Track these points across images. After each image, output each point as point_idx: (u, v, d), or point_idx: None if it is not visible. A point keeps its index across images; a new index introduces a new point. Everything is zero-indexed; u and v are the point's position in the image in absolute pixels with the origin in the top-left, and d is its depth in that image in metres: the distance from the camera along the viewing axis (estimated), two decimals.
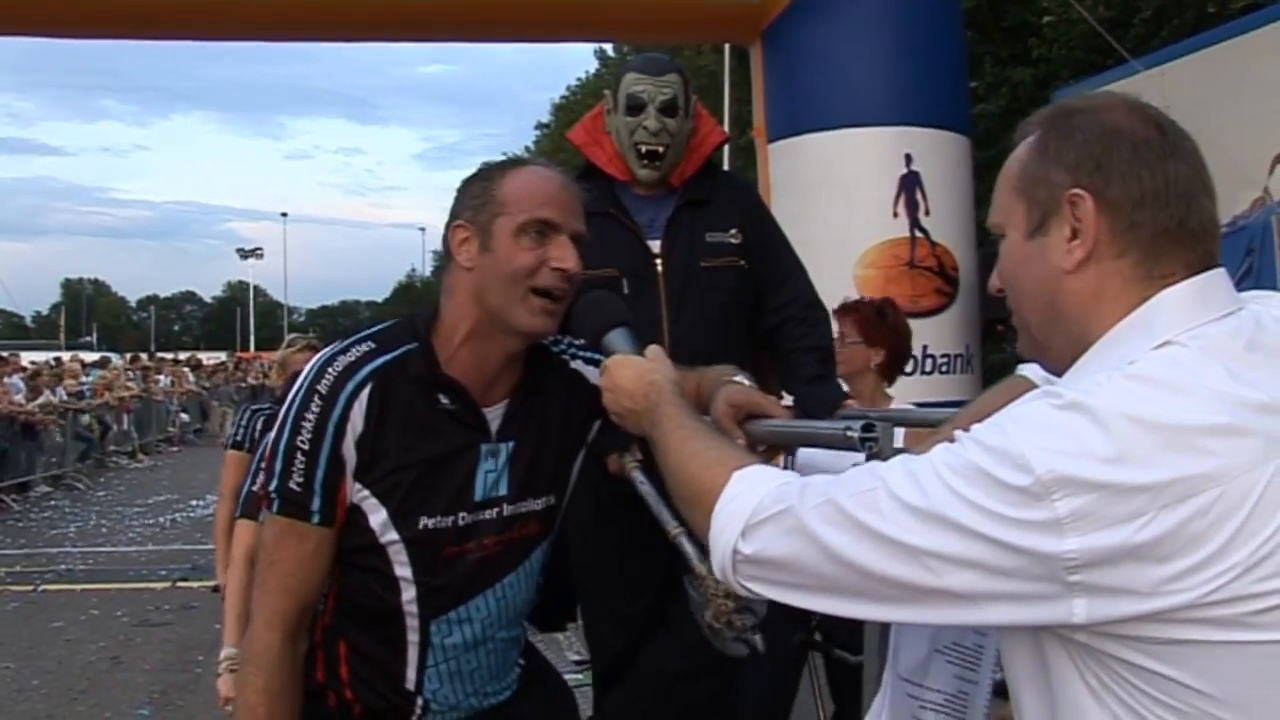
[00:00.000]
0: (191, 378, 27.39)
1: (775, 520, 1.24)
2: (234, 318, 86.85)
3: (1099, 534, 1.06)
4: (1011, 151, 1.34)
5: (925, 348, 7.61)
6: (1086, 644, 1.13)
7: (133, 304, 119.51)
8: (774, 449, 1.93)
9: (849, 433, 1.53)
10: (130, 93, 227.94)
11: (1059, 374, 1.32)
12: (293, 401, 1.86)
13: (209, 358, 36.73)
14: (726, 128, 13.60)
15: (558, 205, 1.88)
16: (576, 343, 2.14)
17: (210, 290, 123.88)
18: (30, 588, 9.03)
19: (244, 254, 71.27)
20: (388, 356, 1.87)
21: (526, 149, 44.96)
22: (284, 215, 73.32)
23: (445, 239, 1.93)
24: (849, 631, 3.62)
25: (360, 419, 1.82)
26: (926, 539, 1.12)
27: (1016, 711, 1.26)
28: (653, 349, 1.88)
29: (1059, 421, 1.09)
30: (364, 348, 1.88)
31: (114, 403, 20.06)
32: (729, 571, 1.30)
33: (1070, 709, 1.16)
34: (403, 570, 1.88)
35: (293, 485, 1.82)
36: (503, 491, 1.95)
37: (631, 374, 1.76)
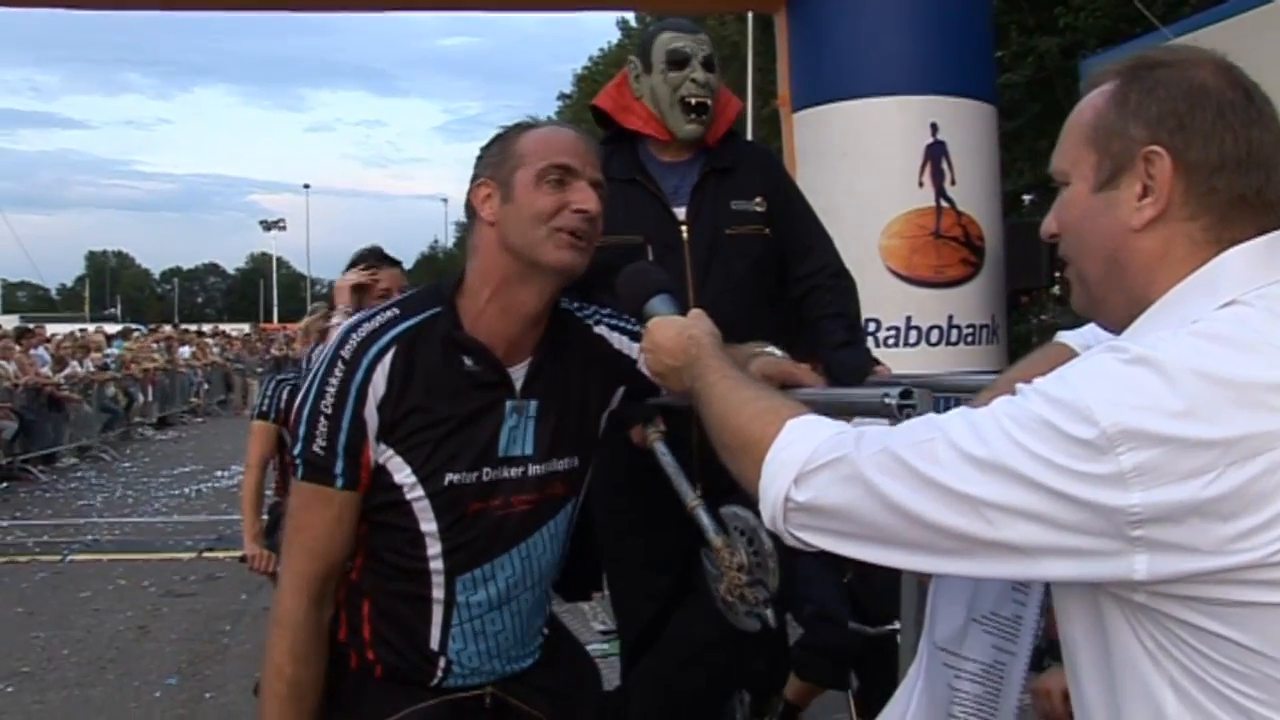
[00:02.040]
0: (216, 349, 27.52)
1: (830, 467, 1.22)
2: (257, 290, 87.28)
3: (1164, 489, 1.04)
4: (1082, 98, 1.30)
5: (951, 318, 7.57)
6: (1145, 604, 1.11)
7: (156, 276, 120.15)
8: None
9: (887, 399, 1.52)
10: (152, 66, 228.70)
11: (1113, 331, 1.30)
12: (318, 369, 1.91)
13: (233, 329, 36.89)
14: (750, 98, 13.68)
15: (574, 153, 1.95)
16: (604, 310, 2.17)
17: (233, 262, 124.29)
18: (58, 558, 9.11)
19: (267, 226, 71.62)
20: (411, 321, 1.92)
21: (550, 119, 44.87)
22: (306, 187, 74.02)
23: (468, 201, 1.98)
24: (870, 600, 3.62)
25: (383, 382, 1.87)
26: (986, 489, 1.10)
27: (1071, 673, 1.24)
28: (694, 311, 1.87)
29: (1125, 375, 1.08)
30: (388, 314, 1.94)
31: (139, 374, 20.18)
32: (779, 520, 1.28)
33: (1127, 671, 1.14)
34: (428, 525, 1.91)
35: (316, 449, 1.87)
36: (528, 450, 1.98)
37: (671, 331, 1.76)
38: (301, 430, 1.89)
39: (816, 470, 1.23)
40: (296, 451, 1.90)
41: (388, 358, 1.88)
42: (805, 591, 3.54)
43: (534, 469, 1.99)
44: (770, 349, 2.04)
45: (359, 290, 3.69)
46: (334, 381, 1.86)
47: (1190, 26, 8.19)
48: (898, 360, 7.58)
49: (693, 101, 2.91)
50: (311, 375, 1.93)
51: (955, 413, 1.19)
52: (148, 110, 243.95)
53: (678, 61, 2.92)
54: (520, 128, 1.99)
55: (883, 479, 1.16)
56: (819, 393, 1.86)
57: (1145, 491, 1.04)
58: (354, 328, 1.92)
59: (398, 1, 8.95)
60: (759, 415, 1.37)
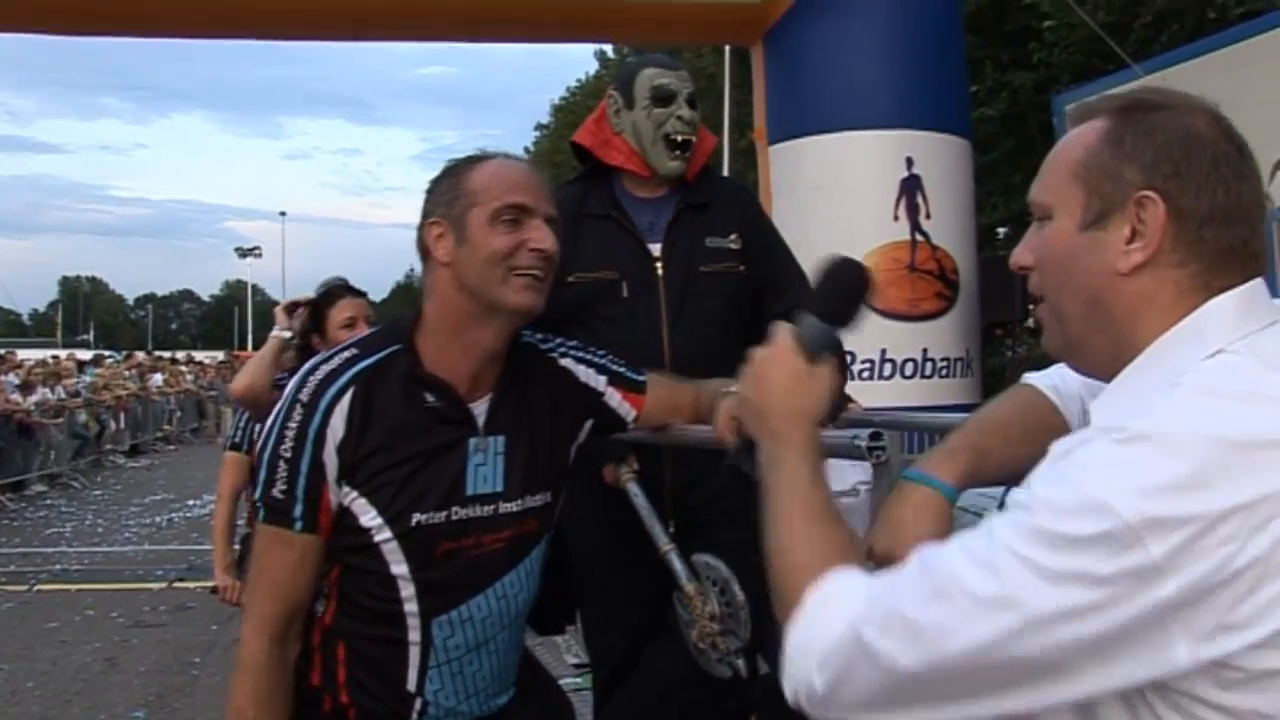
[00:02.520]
0: (189, 377, 27.35)
1: (845, 653, 1.14)
2: (232, 317, 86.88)
3: (1196, 568, 0.99)
4: (1066, 132, 1.28)
5: (925, 351, 7.60)
6: (1158, 687, 1.06)
7: (130, 302, 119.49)
8: None
9: (856, 441, 1.52)
10: (130, 91, 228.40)
11: (1088, 373, 1.29)
12: (278, 412, 1.90)
13: (206, 356, 36.67)
14: (726, 130, 13.74)
15: (527, 190, 1.92)
16: (569, 343, 2.17)
17: (208, 289, 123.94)
18: (25, 588, 9.00)
19: (242, 253, 71.15)
20: (369, 360, 1.91)
21: (526, 149, 44.97)
22: (283, 214, 73.18)
23: (420, 239, 1.96)
24: None
25: (341, 425, 1.86)
26: (1009, 625, 1.03)
27: None
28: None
29: (1131, 458, 1.02)
30: (346, 354, 1.93)
31: (111, 401, 20.02)
32: (802, 704, 1.20)
33: None
34: (399, 568, 1.90)
35: (276, 494, 1.86)
36: (498, 487, 1.96)
37: (787, 378, 1.42)
38: (262, 474, 1.88)
39: (833, 659, 1.15)
40: (258, 495, 1.90)
41: (345, 399, 1.86)
42: (776, 631, 3.53)
43: (505, 506, 1.97)
44: (736, 388, 2.04)
45: (290, 310, 3.82)
46: (292, 425, 1.86)
47: (1161, 64, 8.29)
48: (872, 393, 7.60)
49: (679, 139, 2.91)
50: (273, 418, 1.92)
51: (955, 547, 1.11)
52: (124, 135, 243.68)
53: (663, 98, 2.92)
54: (469, 163, 1.97)
55: (902, 650, 1.09)
56: None
57: (1179, 577, 0.99)
58: (312, 369, 1.91)
59: (376, 31, 8.96)
60: (801, 568, 1.26)
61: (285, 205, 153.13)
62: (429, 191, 1.97)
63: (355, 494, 1.87)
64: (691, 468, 2.83)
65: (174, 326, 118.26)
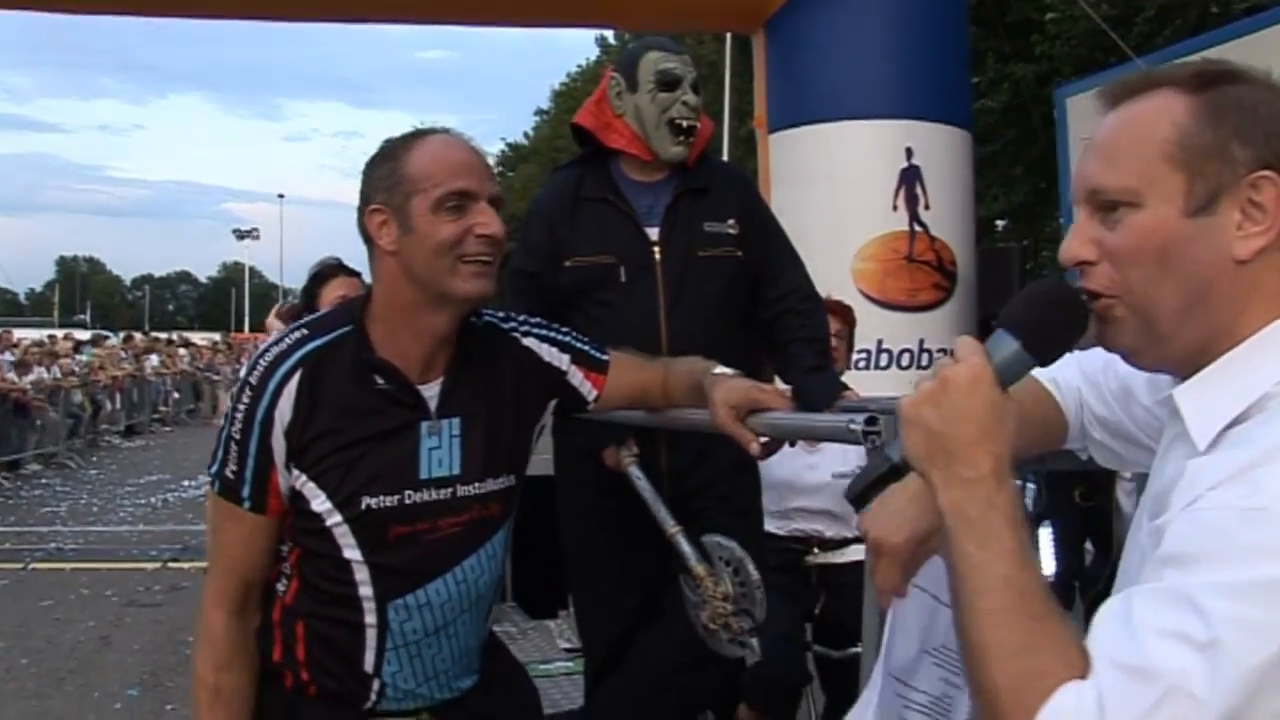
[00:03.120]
0: (186, 357, 27.32)
1: None
2: (229, 298, 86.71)
3: None
4: (1134, 108, 1.16)
5: (922, 341, 7.60)
6: None
7: (127, 283, 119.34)
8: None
9: (852, 426, 1.51)
10: (128, 71, 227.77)
11: (1156, 368, 1.21)
12: (233, 393, 1.93)
13: (202, 338, 36.59)
14: (726, 118, 13.72)
15: (469, 173, 1.87)
16: (531, 320, 2.14)
17: (205, 270, 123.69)
18: (20, 566, 8.99)
19: (240, 235, 71.04)
20: (319, 341, 1.89)
21: (525, 135, 44.95)
22: (281, 197, 72.89)
23: (361, 225, 1.91)
24: (835, 627, 3.64)
25: (289, 408, 1.84)
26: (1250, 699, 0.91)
27: None
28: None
29: None
30: (297, 335, 1.91)
31: (107, 381, 20.00)
32: None
33: None
34: (351, 553, 1.88)
35: (228, 473, 1.88)
36: (454, 470, 1.93)
37: (986, 413, 1.11)
38: (218, 451, 1.90)
39: None
40: (213, 471, 1.91)
41: (293, 381, 1.84)
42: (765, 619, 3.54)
43: (464, 489, 1.94)
44: (720, 369, 2.04)
45: (287, 318, 3.80)
46: (241, 408, 1.86)
47: (1165, 58, 8.27)
48: (869, 383, 7.59)
49: (684, 124, 2.90)
50: (231, 398, 1.94)
51: (1155, 635, 0.95)
52: (123, 116, 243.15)
53: (668, 83, 2.91)
54: (407, 144, 1.90)
55: None
56: (786, 417, 1.86)
57: None
58: (264, 352, 1.91)
59: (376, 13, 8.94)
60: (1017, 680, 1.02)
61: (284, 187, 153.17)
62: (366, 174, 1.92)
63: (304, 478, 1.86)
64: (688, 452, 2.83)
65: (171, 308, 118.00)
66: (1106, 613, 1.02)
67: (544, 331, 2.13)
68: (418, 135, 1.93)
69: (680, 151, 2.91)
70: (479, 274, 1.86)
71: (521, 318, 2.12)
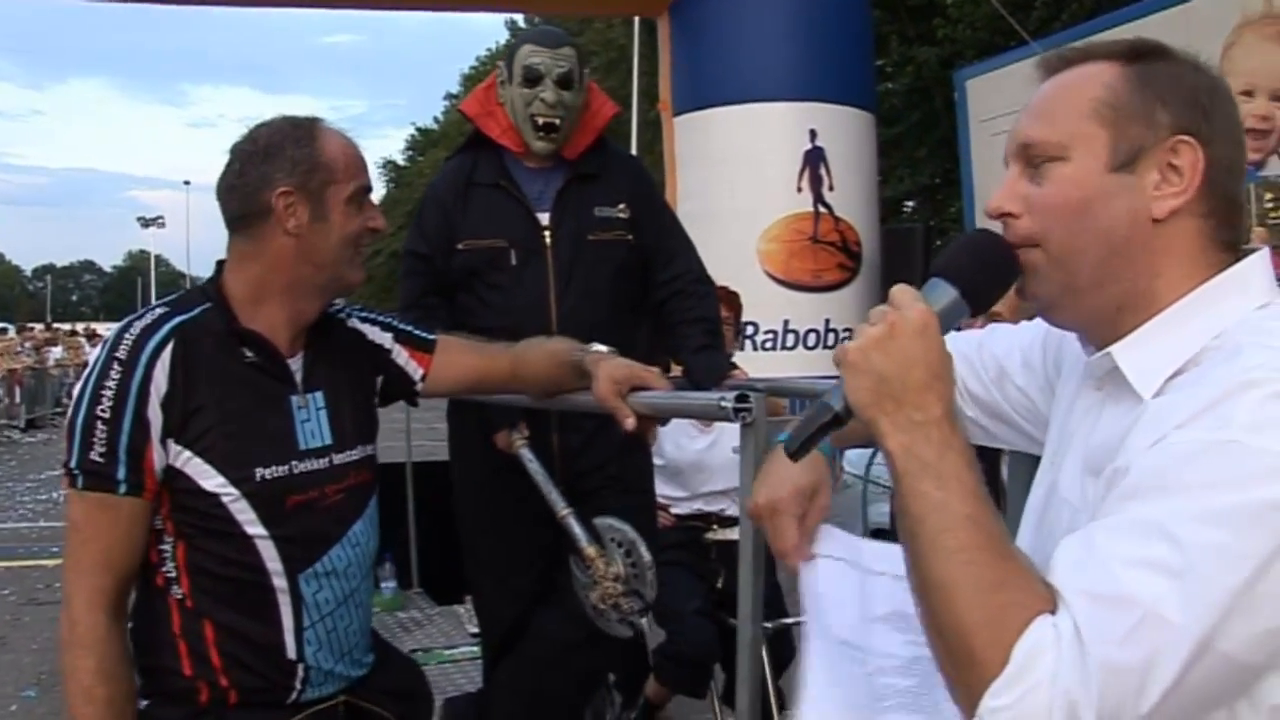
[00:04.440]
0: (88, 349, 26.68)
1: None
2: (135, 288, 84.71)
3: None
4: (1069, 73, 1.20)
5: (828, 321, 7.71)
6: None
7: (28, 273, 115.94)
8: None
9: (723, 403, 1.53)
10: (24, 55, 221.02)
11: (1072, 325, 1.23)
12: (89, 376, 1.83)
13: (107, 328, 35.77)
14: (635, 101, 13.70)
15: (366, 168, 1.99)
16: (353, 306, 2.19)
17: (110, 259, 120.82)
18: None
19: (145, 223, 69.24)
20: (186, 315, 1.88)
21: (435, 119, 44.55)
22: (187, 184, 71.59)
23: (258, 201, 1.88)
24: (735, 601, 3.68)
25: (164, 379, 1.81)
26: (1221, 627, 0.93)
27: None
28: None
29: None
30: (159, 311, 1.89)
31: (4, 374, 19.46)
32: None
33: None
34: (253, 528, 1.86)
35: (94, 457, 1.79)
36: (327, 440, 1.97)
37: (935, 355, 1.12)
38: (76, 440, 1.80)
39: None
40: (73, 463, 1.81)
41: (167, 351, 1.82)
42: (671, 599, 3.58)
43: (339, 458, 1.99)
44: (603, 349, 2.07)
45: None
46: (110, 384, 1.79)
47: (1061, 41, 8.45)
48: (775, 363, 7.70)
49: (540, 121, 2.90)
50: (82, 383, 1.84)
51: (1121, 564, 0.97)
52: (19, 100, 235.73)
53: (530, 79, 2.90)
54: (311, 131, 1.92)
55: (1146, 711, 0.95)
56: (661, 396, 1.88)
57: None
58: (126, 327, 1.86)
59: None
60: (984, 624, 1.02)
61: (190, 174, 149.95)
62: (272, 153, 1.89)
63: (189, 454, 1.83)
64: (580, 433, 2.86)
65: (74, 298, 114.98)
66: (1065, 551, 1.03)
67: (367, 314, 2.19)
68: (317, 123, 1.96)
69: (544, 147, 2.92)
70: (363, 264, 1.98)
71: (343, 303, 2.15)
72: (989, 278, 1.20)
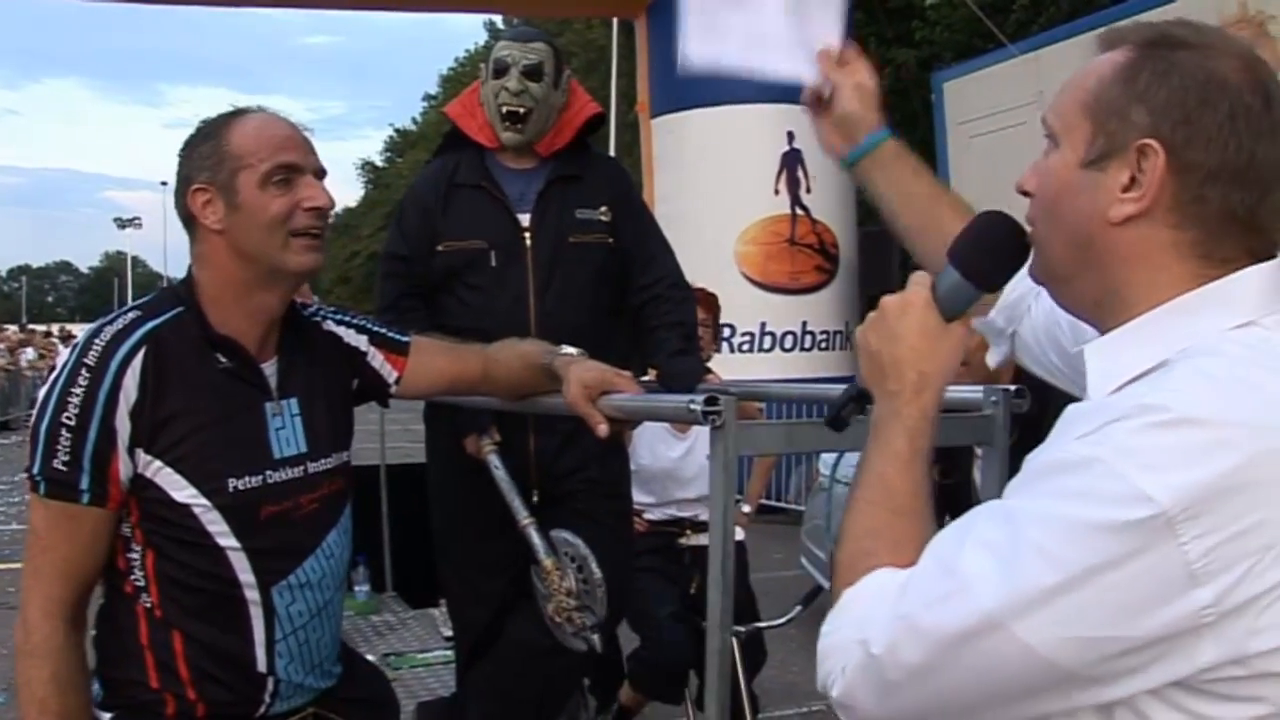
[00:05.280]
0: (62, 350, 26.50)
1: (858, 661, 1.06)
2: (111, 289, 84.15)
3: (1235, 572, 0.92)
4: (1094, 59, 1.15)
5: (805, 324, 7.72)
6: (1144, 700, 0.98)
7: (3, 274, 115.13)
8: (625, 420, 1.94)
9: (692, 407, 1.52)
10: (0, 55, 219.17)
11: (1070, 308, 1.23)
12: (56, 380, 1.78)
13: (81, 330, 35.54)
14: (614, 103, 13.69)
15: (294, 147, 1.86)
16: (327, 308, 2.15)
17: (86, 260, 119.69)
18: None
19: (121, 223, 68.93)
20: (159, 319, 1.83)
21: (414, 120, 44.44)
22: (163, 184, 70.59)
23: (183, 206, 1.87)
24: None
25: (134, 387, 1.76)
26: (1030, 625, 0.95)
27: None
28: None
29: (1173, 444, 0.93)
30: (130, 315, 1.84)
31: None
32: (830, 699, 1.11)
33: None
34: (225, 540, 1.82)
35: (57, 465, 1.74)
36: (302, 448, 1.92)
37: (918, 334, 1.24)
38: (40, 446, 1.75)
39: (850, 666, 1.07)
40: (35, 470, 1.76)
41: (138, 359, 1.77)
42: (645, 604, 3.58)
43: (314, 466, 1.94)
44: (569, 349, 2.06)
45: None
46: (77, 391, 1.74)
47: (1038, 44, 8.50)
48: (752, 365, 7.71)
49: (503, 110, 2.90)
50: (48, 388, 1.79)
51: (966, 541, 1.02)
52: None
53: (498, 70, 2.92)
54: (226, 121, 1.87)
55: (918, 665, 1.01)
56: (631, 399, 1.88)
57: (1217, 579, 0.92)
58: (96, 332, 1.80)
59: None
60: (859, 554, 1.15)
61: (166, 175, 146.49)
62: (184, 155, 1.87)
63: (159, 464, 1.78)
64: (557, 436, 2.84)
65: (50, 299, 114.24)
66: (956, 523, 1.09)
67: (341, 316, 2.14)
68: (236, 114, 1.89)
69: (511, 138, 2.92)
70: (309, 247, 1.86)
71: (318, 305, 2.13)
72: (991, 258, 1.25)
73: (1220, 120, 1.05)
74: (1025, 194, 1.21)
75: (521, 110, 2.89)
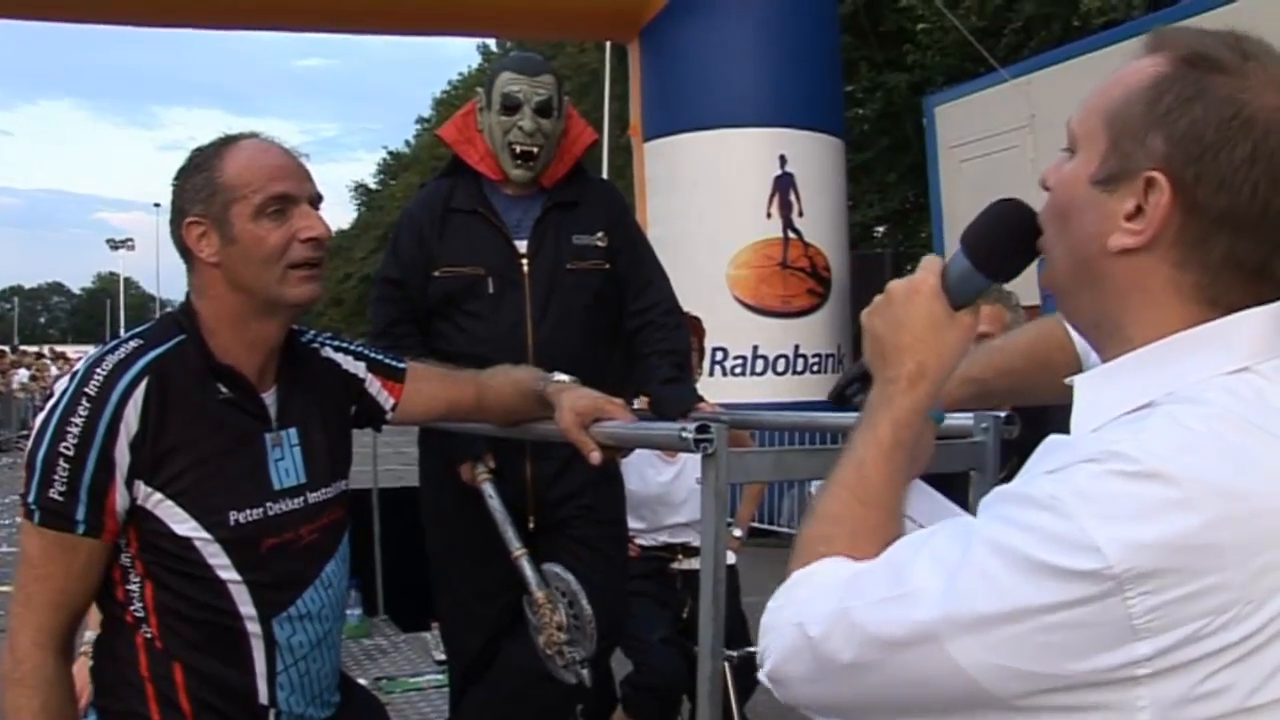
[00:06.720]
0: (54, 371, 26.42)
1: (794, 643, 1.07)
2: (104, 310, 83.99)
3: (1179, 633, 0.89)
4: (1125, 65, 1.07)
5: (797, 347, 7.73)
6: None
7: None
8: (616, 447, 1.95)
9: (684, 434, 1.53)
10: None
11: (1073, 325, 1.18)
12: (54, 408, 1.75)
13: (76, 351, 35.42)
14: (606, 126, 13.73)
15: (288, 176, 1.84)
16: (324, 334, 2.13)
17: (79, 282, 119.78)
18: None
19: (114, 245, 68.71)
20: (161, 349, 1.80)
21: (407, 143, 44.53)
22: (156, 206, 70.58)
23: (178, 238, 1.85)
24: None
25: (136, 419, 1.74)
26: (964, 645, 0.94)
27: None
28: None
29: (1136, 495, 0.90)
30: (132, 344, 1.81)
31: None
32: (763, 677, 1.12)
33: None
34: (226, 573, 1.81)
35: (54, 495, 1.72)
36: (301, 479, 1.91)
37: (922, 322, 1.20)
38: (36, 475, 1.73)
39: (787, 649, 1.08)
40: (31, 499, 1.74)
41: (140, 390, 1.75)
42: (637, 629, 3.57)
43: (313, 496, 1.92)
44: (561, 376, 2.07)
45: None
46: (77, 421, 1.72)
47: (1029, 68, 8.54)
48: (744, 389, 7.71)
49: (518, 150, 2.90)
50: (46, 415, 1.76)
51: (922, 551, 1.01)
52: None
53: (509, 107, 2.89)
54: (218, 151, 1.84)
55: (849, 659, 1.01)
56: (623, 426, 1.89)
57: (1156, 638, 0.89)
58: (97, 361, 1.77)
59: (251, 20, 8.78)
60: (817, 539, 1.15)
61: (159, 197, 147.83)
62: (177, 186, 1.85)
63: (160, 496, 1.76)
64: (554, 462, 2.84)
65: (43, 320, 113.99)
66: (922, 531, 1.10)
67: (339, 343, 2.12)
68: (228, 142, 1.87)
69: (522, 175, 2.92)
70: (308, 278, 1.84)
71: (315, 331, 2.10)
72: (1002, 248, 1.20)
73: (1238, 162, 0.96)
74: (1046, 189, 1.14)
75: (535, 150, 2.89)
